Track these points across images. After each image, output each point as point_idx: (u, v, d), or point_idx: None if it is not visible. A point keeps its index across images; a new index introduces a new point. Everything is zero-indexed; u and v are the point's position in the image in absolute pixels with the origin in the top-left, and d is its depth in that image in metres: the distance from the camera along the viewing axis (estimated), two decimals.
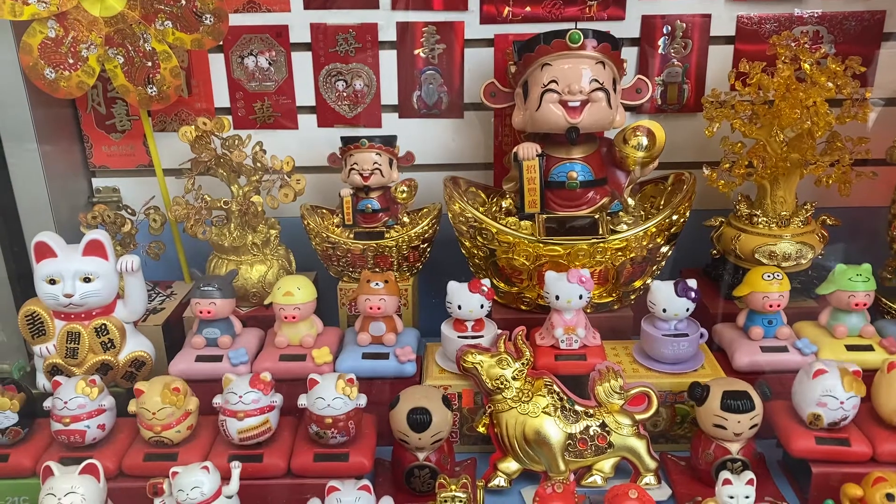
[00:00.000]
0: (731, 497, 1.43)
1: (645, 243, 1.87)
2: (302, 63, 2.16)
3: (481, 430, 1.69)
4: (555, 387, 1.68)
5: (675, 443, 1.81)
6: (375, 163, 1.98)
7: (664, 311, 1.76)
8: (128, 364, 1.78)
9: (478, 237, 1.91)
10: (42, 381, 1.78)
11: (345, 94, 2.19)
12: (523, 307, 1.99)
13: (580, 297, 1.76)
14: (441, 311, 1.83)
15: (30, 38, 1.85)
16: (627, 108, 2.01)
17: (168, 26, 1.89)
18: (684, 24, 2.11)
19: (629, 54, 2.11)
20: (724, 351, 1.88)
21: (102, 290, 1.72)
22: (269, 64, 2.16)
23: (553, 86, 1.83)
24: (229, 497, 1.47)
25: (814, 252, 1.97)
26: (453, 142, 2.24)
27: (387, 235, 2.01)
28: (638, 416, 1.67)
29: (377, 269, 2.02)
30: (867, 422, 1.63)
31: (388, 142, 2.01)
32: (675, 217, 1.88)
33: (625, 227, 1.88)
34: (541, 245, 1.85)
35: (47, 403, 1.62)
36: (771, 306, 1.80)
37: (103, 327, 1.75)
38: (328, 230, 2.02)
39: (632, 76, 2.01)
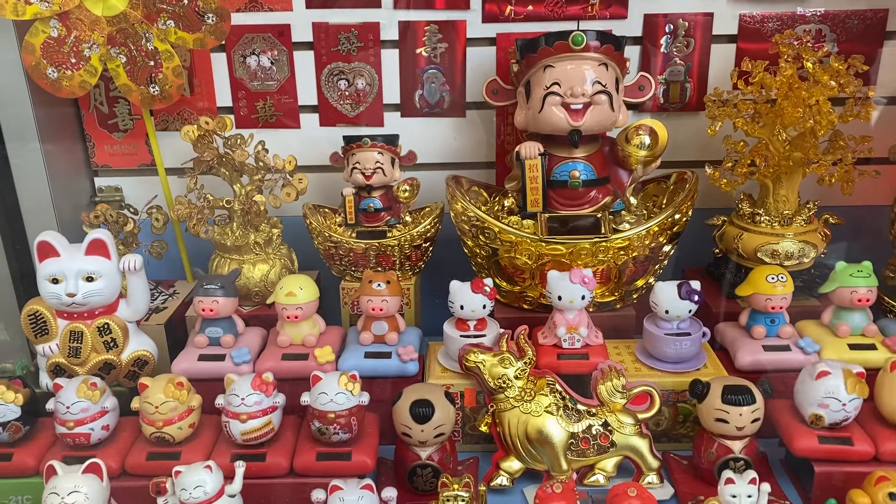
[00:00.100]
0: (734, 496, 1.43)
1: (647, 242, 1.87)
2: (304, 62, 2.16)
3: (484, 429, 1.69)
4: (557, 386, 1.68)
5: (677, 442, 1.81)
6: (377, 162, 1.98)
7: (667, 312, 1.75)
8: (130, 363, 1.78)
9: (480, 236, 1.91)
10: (45, 381, 1.78)
11: (347, 93, 2.19)
12: (525, 306, 1.99)
13: (582, 297, 1.76)
14: (443, 311, 1.83)
15: (32, 37, 1.85)
16: (630, 106, 2.01)
17: (170, 25, 1.89)
18: (686, 23, 2.11)
19: (631, 53, 2.10)
20: (727, 350, 1.88)
21: (105, 290, 1.72)
22: (272, 63, 2.16)
23: (555, 88, 1.83)
24: (232, 496, 1.48)
25: (816, 251, 1.97)
26: (455, 141, 2.24)
27: (389, 235, 2.01)
28: (640, 416, 1.67)
29: (379, 269, 2.03)
30: (870, 421, 1.63)
31: (391, 141, 2.01)
32: (677, 216, 1.88)
33: (627, 226, 1.88)
34: (543, 244, 1.85)
35: (50, 405, 1.62)
36: (774, 308, 1.80)
37: (106, 326, 1.75)
38: (330, 229, 2.02)
39: (634, 74, 2.01)
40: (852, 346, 1.79)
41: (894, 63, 2.11)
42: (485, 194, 2.12)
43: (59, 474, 1.44)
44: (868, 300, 1.79)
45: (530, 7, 2.08)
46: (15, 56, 1.92)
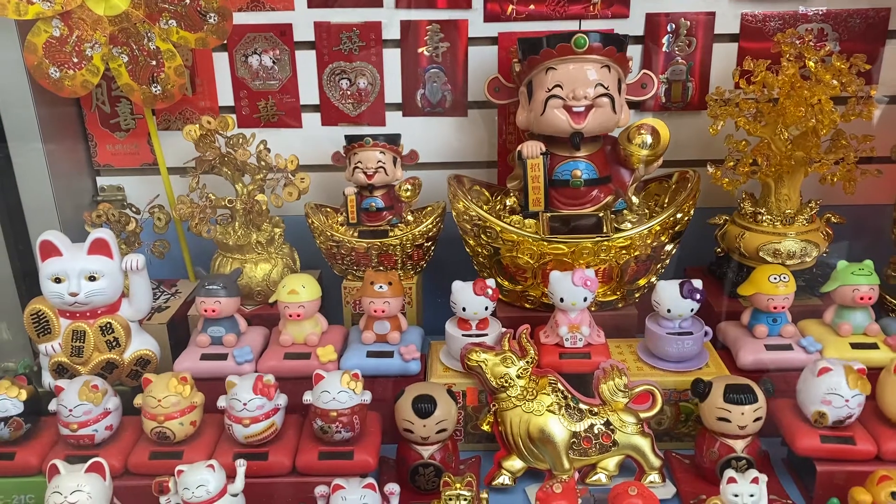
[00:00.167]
0: (736, 495, 1.43)
1: (649, 241, 1.87)
2: (306, 61, 2.16)
3: (486, 428, 1.69)
4: (559, 385, 1.68)
5: (679, 441, 1.81)
6: (379, 161, 1.98)
7: (669, 311, 1.76)
8: (133, 362, 1.79)
9: (482, 235, 1.91)
10: (48, 380, 1.79)
11: (349, 93, 2.19)
12: (527, 305, 1.99)
13: (585, 299, 1.76)
14: (445, 310, 1.83)
15: (34, 37, 1.85)
16: (632, 105, 2.02)
17: (172, 25, 1.89)
18: (688, 22, 2.10)
19: (633, 52, 2.10)
20: (729, 349, 1.88)
21: (107, 289, 1.72)
22: (273, 62, 2.16)
23: (557, 91, 1.83)
24: (234, 495, 1.48)
25: (818, 250, 1.97)
26: (457, 140, 2.24)
27: (391, 234, 2.01)
28: (642, 415, 1.67)
29: (381, 268, 2.03)
30: (872, 420, 1.63)
31: (392, 140, 2.01)
32: (679, 215, 1.88)
33: (629, 225, 1.88)
34: (545, 243, 1.85)
35: (52, 407, 1.62)
36: (776, 308, 1.80)
37: (108, 326, 1.75)
38: (332, 229, 2.02)
39: (636, 72, 2.01)
40: (854, 346, 1.79)
41: None
42: (486, 193, 2.13)
43: (61, 473, 1.45)
44: (870, 299, 1.79)
45: (532, 6, 2.08)
46: (17, 56, 1.92)
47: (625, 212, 1.94)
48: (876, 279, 1.79)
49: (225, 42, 2.06)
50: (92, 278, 1.70)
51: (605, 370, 1.67)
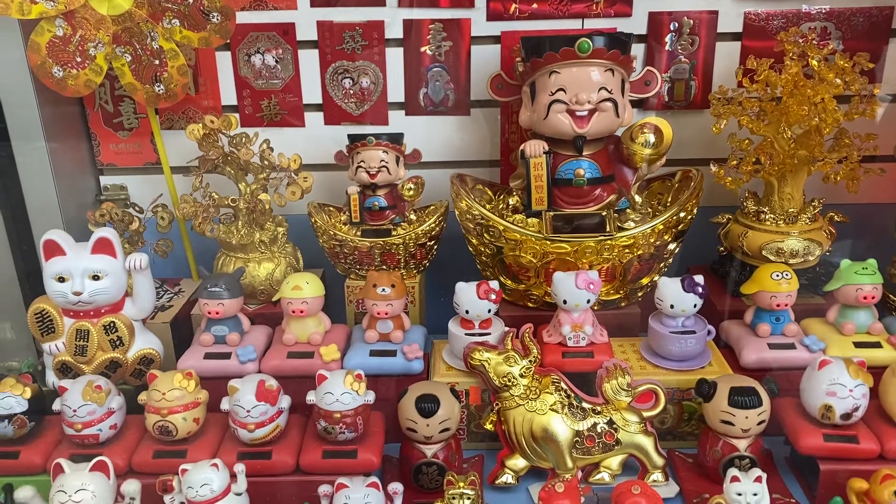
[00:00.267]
0: (739, 494, 1.43)
1: (652, 240, 1.87)
2: (308, 61, 2.16)
3: (489, 427, 1.69)
4: (562, 384, 1.68)
5: (682, 440, 1.81)
6: (382, 160, 1.98)
7: (672, 307, 1.75)
8: (136, 361, 1.79)
9: (485, 234, 1.91)
10: (52, 379, 1.79)
11: (351, 92, 2.19)
12: (530, 304, 1.99)
13: (587, 301, 1.76)
14: (448, 309, 1.83)
15: (38, 36, 1.86)
16: (635, 104, 2.01)
17: (175, 24, 1.90)
18: (691, 21, 2.10)
19: (636, 51, 2.10)
20: (732, 348, 1.88)
21: (111, 288, 1.72)
22: (276, 62, 2.17)
23: (560, 94, 1.83)
24: (238, 494, 1.48)
25: (821, 249, 1.97)
26: (460, 139, 2.24)
27: (394, 233, 2.01)
28: (645, 413, 1.67)
29: (384, 267, 2.03)
30: (875, 419, 1.63)
31: (395, 139, 2.01)
32: (682, 214, 1.88)
33: (632, 224, 1.88)
34: (548, 242, 1.85)
35: (56, 406, 1.62)
36: (779, 305, 1.80)
37: (112, 325, 1.75)
38: (335, 228, 2.03)
39: (640, 70, 2.01)
40: (857, 344, 1.79)
41: None
42: (489, 192, 2.13)
43: (66, 472, 1.45)
44: (873, 297, 1.79)
45: (535, 5, 2.08)
46: (20, 55, 1.92)
47: (628, 211, 1.94)
48: (879, 278, 1.79)
49: (228, 41, 2.06)
50: (95, 277, 1.70)
51: (609, 369, 1.67)
